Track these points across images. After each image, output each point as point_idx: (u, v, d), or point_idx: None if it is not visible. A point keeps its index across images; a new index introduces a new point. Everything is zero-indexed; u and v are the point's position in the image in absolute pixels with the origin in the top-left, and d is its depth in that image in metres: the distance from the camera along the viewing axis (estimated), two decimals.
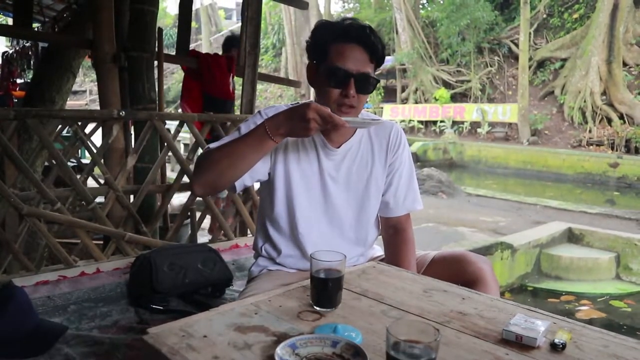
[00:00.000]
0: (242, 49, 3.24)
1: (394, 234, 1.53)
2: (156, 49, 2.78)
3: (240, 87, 3.22)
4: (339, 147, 1.44)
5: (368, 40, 1.31)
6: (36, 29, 5.35)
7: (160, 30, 2.85)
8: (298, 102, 1.45)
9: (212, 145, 1.31)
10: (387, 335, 0.79)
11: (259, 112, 1.40)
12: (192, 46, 3.52)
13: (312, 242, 1.44)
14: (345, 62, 1.29)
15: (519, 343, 0.93)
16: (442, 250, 1.55)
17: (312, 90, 19.63)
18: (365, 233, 1.52)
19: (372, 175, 1.48)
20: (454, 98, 16.16)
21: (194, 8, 3.63)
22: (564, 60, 14.43)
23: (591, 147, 12.19)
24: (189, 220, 2.77)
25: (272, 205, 1.44)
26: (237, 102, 3.41)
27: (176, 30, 3.50)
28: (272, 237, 1.48)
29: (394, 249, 1.52)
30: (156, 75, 2.84)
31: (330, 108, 1.30)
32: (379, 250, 1.63)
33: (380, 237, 1.61)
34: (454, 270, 1.38)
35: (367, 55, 1.32)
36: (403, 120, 16.15)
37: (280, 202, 1.43)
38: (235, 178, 1.29)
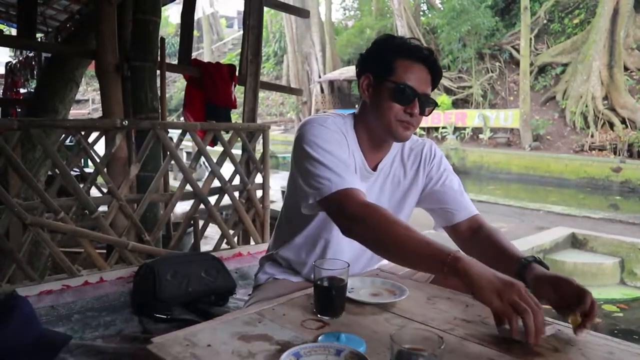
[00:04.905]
0: (243, 57, 3.27)
1: (475, 233, 1.43)
2: (159, 58, 2.80)
3: (242, 96, 3.24)
4: (375, 169, 1.41)
5: (434, 63, 1.32)
6: (39, 39, 5.39)
7: (163, 39, 2.86)
8: (340, 115, 1.40)
9: (344, 184, 1.19)
10: (391, 343, 0.79)
11: (323, 125, 1.30)
12: (194, 55, 3.54)
13: (327, 255, 1.42)
14: (412, 80, 1.28)
15: (524, 350, 0.93)
16: None
17: (313, 97, 19.68)
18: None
19: (405, 194, 1.47)
20: (456, 104, 16.18)
21: (195, 17, 3.65)
22: (565, 65, 14.46)
23: (593, 151, 12.17)
24: (191, 228, 2.77)
25: (308, 220, 1.40)
26: (239, 110, 3.42)
27: (178, 39, 3.53)
28: (299, 248, 1.45)
29: (486, 242, 1.38)
30: (159, 84, 2.85)
31: (390, 123, 1.29)
32: (384, 259, 1.63)
33: None
34: (461, 283, 1.36)
35: (431, 77, 1.33)
36: None
37: (318, 219, 1.39)
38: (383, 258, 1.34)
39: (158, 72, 2.84)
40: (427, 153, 1.49)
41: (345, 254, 1.40)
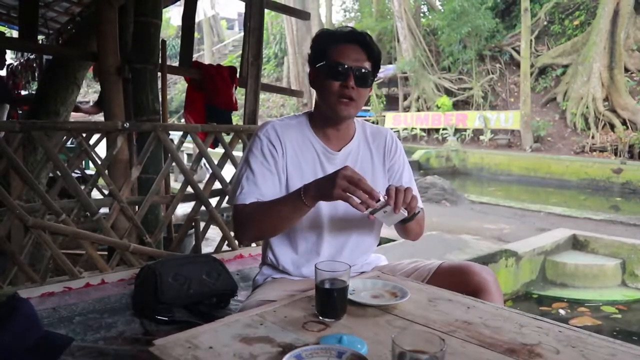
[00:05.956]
0: (244, 59, 3.27)
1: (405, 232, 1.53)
2: (160, 61, 2.81)
3: (243, 97, 3.24)
4: (339, 151, 1.48)
5: (364, 40, 1.40)
6: (40, 42, 5.39)
7: (164, 42, 2.87)
8: (295, 114, 1.51)
9: (244, 199, 1.37)
10: (392, 345, 0.79)
11: (257, 136, 1.45)
12: (194, 56, 3.55)
13: (315, 248, 1.46)
14: (344, 58, 1.37)
15: (527, 352, 0.93)
16: (446, 260, 1.55)
17: (314, 98, 19.69)
18: (367, 239, 1.54)
19: (374, 179, 1.50)
20: (456, 106, 16.16)
21: (196, 19, 3.66)
22: (566, 66, 14.44)
23: (594, 153, 12.15)
24: (192, 230, 2.77)
25: None
26: (240, 112, 3.43)
27: (179, 41, 3.53)
28: (276, 245, 1.49)
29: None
30: (160, 87, 2.86)
31: (331, 100, 1.39)
32: (383, 260, 1.63)
33: (380, 245, 1.62)
34: (457, 281, 1.38)
35: (365, 54, 1.40)
36: (405, 129, 16.17)
37: None
38: (278, 233, 1.42)
39: (159, 74, 2.85)
40: (389, 142, 1.57)
41: (323, 251, 1.44)
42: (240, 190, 1.38)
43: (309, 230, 1.45)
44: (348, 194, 1.16)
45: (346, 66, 1.36)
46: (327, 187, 1.18)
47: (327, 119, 1.45)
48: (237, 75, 3.25)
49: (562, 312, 4.07)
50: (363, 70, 1.38)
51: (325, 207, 1.43)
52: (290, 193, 1.32)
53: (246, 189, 1.38)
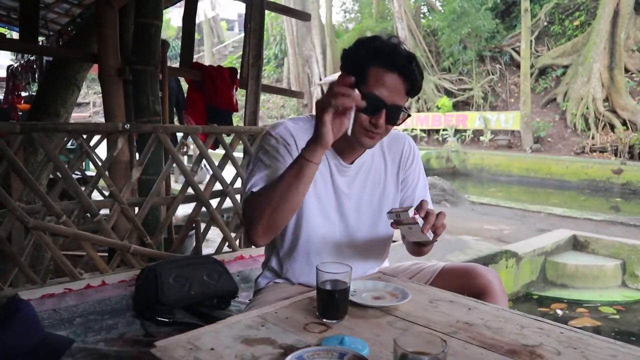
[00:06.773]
0: (244, 60, 3.28)
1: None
2: (160, 62, 2.81)
3: (244, 98, 3.25)
4: (352, 163, 1.42)
5: (411, 73, 1.28)
6: (40, 43, 5.40)
7: (164, 43, 2.87)
8: (309, 116, 1.44)
9: (253, 187, 1.28)
10: (394, 347, 0.79)
11: (270, 134, 1.37)
12: (195, 58, 3.56)
13: (321, 260, 1.41)
14: (382, 90, 1.26)
15: (528, 354, 0.93)
16: (450, 262, 1.54)
17: (314, 99, 19.65)
18: (377, 253, 1.52)
19: (385, 192, 1.47)
20: (456, 106, 16.17)
21: (197, 20, 3.67)
22: (566, 67, 14.44)
23: (594, 153, 12.15)
24: (193, 231, 2.77)
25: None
26: (241, 113, 3.43)
27: (179, 42, 3.54)
28: (281, 254, 1.47)
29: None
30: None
31: (356, 130, 1.27)
32: (385, 262, 1.63)
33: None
34: (462, 283, 1.37)
35: (405, 87, 1.29)
36: (405, 129, 16.16)
37: (291, 222, 1.40)
38: (291, 213, 1.25)
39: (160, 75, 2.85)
40: (407, 152, 1.51)
41: (324, 256, 1.40)
42: (253, 183, 1.29)
43: (316, 242, 1.41)
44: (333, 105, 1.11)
45: (382, 101, 1.25)
46: (316, 132, 1.13)
47: (344, 136, 1.25)
48: (238, 76, 3.26)
49: (559, 312, 4.07)
50: (397, 108, 1.28)
51: (334, 220, 1.41)
52: (292, 163, 1.22)
53: (257, 177, 1.29)
